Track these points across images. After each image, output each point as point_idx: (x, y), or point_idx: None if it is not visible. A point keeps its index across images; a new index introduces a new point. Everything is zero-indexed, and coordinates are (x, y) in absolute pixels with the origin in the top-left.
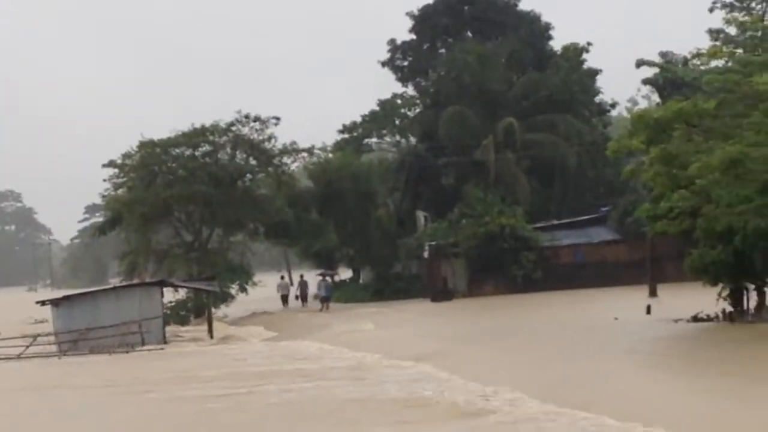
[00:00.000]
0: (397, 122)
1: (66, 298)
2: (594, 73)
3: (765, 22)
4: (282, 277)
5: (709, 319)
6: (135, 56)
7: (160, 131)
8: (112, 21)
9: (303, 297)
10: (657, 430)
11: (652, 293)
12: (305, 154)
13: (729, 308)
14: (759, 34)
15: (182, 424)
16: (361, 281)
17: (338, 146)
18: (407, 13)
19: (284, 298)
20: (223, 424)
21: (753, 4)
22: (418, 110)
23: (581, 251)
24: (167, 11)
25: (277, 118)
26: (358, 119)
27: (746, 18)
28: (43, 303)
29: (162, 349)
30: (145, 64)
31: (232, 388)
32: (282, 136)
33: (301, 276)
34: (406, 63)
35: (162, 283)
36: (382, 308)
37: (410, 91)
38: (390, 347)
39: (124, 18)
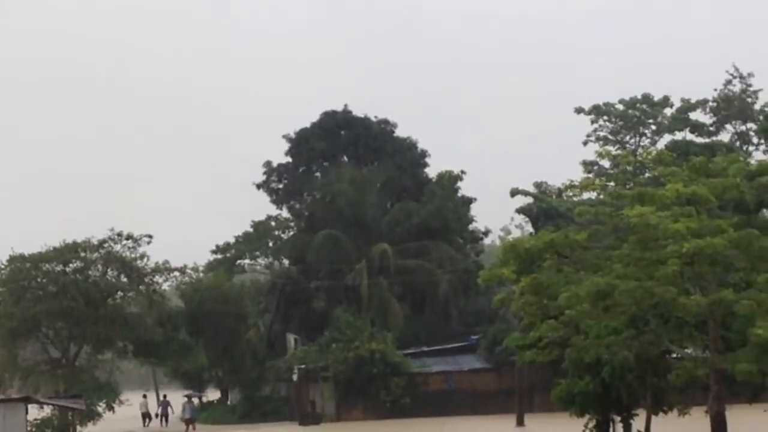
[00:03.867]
0: (270, 244)
1: None
2: (468, 201)
3: (636, 157)
4: (144, 396)
5: None
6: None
7: (31, 246)
8: None
9: (164, 416)
10: None
11: (520, 422)
12: (177, 274)
13: None
14: (630, 168)
15: None
16: (229, 402)
17: (210, 267)
18: (284, 136)
19: (145, 417)
20: None
21: (626, 138)
22: (291, 233)
23: (451, 378)
24: (33, 126)
25: (150, 237)
26: (232, 240)
27: (619, 152)
28: None
29: None
30: (11, 180)
31: None
32: (154, 254)
33: (164, 396)
34: (281, 185)
35: (27, 400)
36: (249, 430)
37: (285, 213)
38: None
39: None
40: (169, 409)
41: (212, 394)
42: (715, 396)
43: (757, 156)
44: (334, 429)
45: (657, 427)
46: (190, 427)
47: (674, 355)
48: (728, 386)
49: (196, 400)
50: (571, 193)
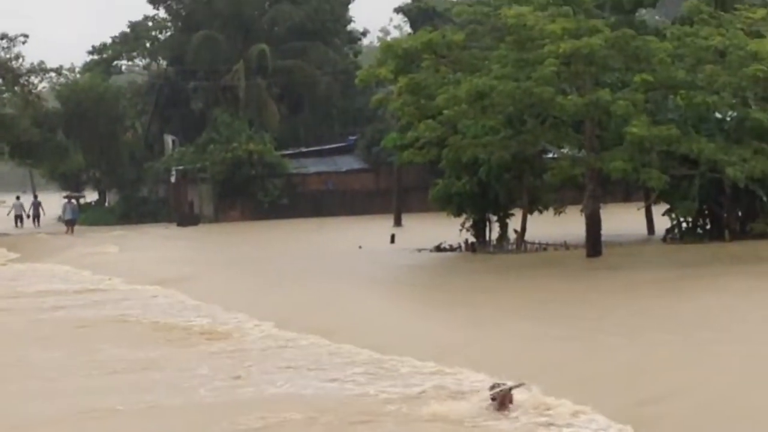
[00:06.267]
0: (148, 45)
1: None
2: (347, 1)
3: None
4: (17, 198)
5: (451, 249)
6: None
7: None
8: None
9: (36, 217)
10: (394, 356)
11: (398, 223)
12: (53, 74)
13: (472, 239)
14: None
15: None
16: (107, 204)
17: (87, 67)
18: None
19: (18, 219)
20: None
21: None
22: (169, 33)
23: (330, 179)
24: None
25: (26, 36)
26: (108, 41)
27: None
28: None
29: None
30: None
31: None
32: (30, 55)
33: (35, 197)
34: None
35: None
36: (127, 231)
37: (162, 13)
38: (133, 270)
39: None
40: (41, 209)
41: (90, 196)
42: (590, 195)
43: None
44: (213, 229)
45: (533, 225)
46: (70, 228)
47: (551, 155)
48: (603, 185)
49: (75, 201)
50: None
